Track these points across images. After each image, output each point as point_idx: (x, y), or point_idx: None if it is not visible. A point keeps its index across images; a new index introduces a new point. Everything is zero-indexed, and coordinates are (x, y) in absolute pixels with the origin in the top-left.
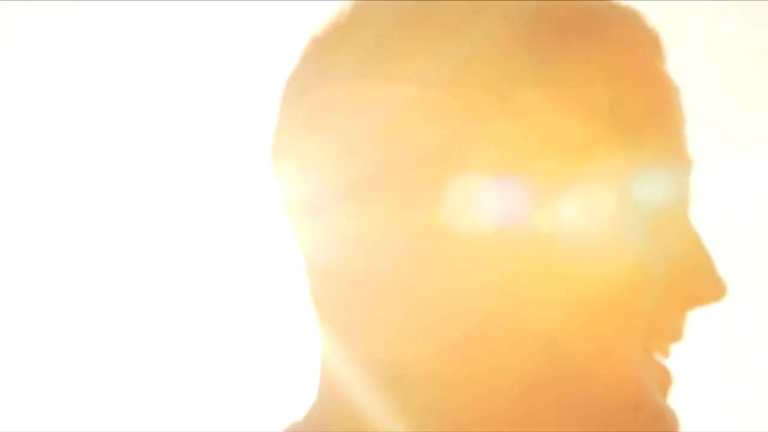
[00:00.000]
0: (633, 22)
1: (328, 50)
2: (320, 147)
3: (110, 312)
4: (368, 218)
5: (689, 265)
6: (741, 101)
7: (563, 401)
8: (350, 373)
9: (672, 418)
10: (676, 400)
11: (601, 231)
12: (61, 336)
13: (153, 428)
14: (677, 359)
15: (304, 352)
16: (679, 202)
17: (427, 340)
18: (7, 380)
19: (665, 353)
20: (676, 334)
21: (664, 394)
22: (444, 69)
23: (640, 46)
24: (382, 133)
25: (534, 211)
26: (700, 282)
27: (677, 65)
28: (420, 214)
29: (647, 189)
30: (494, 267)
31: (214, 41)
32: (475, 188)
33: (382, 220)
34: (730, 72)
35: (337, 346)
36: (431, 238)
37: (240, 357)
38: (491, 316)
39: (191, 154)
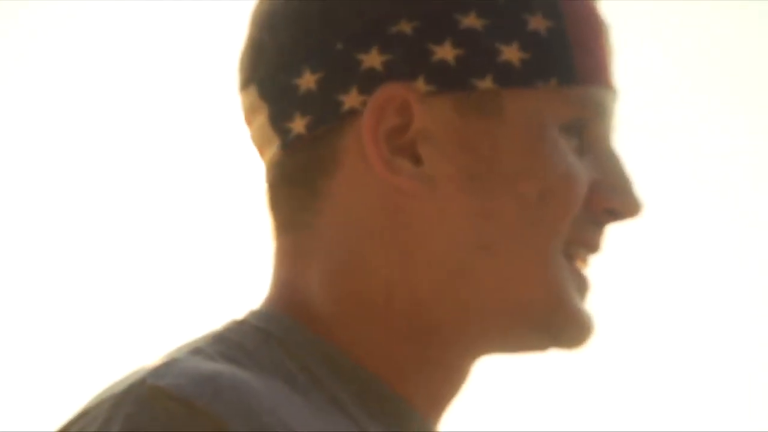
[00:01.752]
0: None
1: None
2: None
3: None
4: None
5: (609, 182)
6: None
7: (492, 301)
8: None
9: (588, 318)
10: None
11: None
12: (61, 335)
13: None
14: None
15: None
16: (603, 126)
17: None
18: (7, 380)
19: (584, 262)
20: (594, 246)
21: (583, 298)
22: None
23: None
24: None
25: None
26: (619, 198)
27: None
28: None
29: (574, 111)
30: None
31: (212, 40)
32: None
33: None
34: (730, 71)
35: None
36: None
37: None
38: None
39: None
